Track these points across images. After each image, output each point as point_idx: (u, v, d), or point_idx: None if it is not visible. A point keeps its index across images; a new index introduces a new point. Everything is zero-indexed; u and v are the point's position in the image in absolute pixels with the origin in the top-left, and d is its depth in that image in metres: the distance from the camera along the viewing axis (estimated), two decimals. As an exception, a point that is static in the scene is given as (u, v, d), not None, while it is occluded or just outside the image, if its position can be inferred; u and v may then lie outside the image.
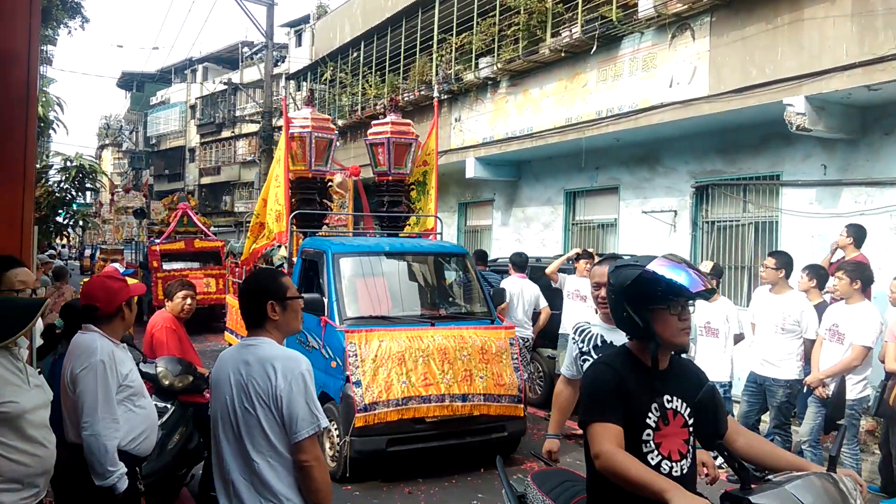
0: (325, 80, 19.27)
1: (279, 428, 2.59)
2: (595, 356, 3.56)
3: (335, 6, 20.65)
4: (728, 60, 8.45)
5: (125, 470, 3.18)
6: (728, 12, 8.45)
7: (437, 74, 13.75)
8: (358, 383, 5.78)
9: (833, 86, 7.36)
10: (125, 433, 3.26)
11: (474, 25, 12.65)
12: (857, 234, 7.02)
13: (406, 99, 14.76)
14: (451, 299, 7.55)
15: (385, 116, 9.02)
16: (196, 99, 40.69)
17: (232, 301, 9.67)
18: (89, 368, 3.16)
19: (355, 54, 17.60)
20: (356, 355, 5.86)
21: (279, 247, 8.14)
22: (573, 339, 3.83)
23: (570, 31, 10.38)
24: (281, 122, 27.66)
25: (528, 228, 13.50)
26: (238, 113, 35.02)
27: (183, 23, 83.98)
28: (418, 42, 14.57)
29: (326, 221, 9.01)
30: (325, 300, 6.41)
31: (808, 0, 7.61)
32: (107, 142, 56.14)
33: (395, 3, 15.67)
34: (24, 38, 3.88)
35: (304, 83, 22.28)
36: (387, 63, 15.78)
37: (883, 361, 5.75)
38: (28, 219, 3.93)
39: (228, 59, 39.54)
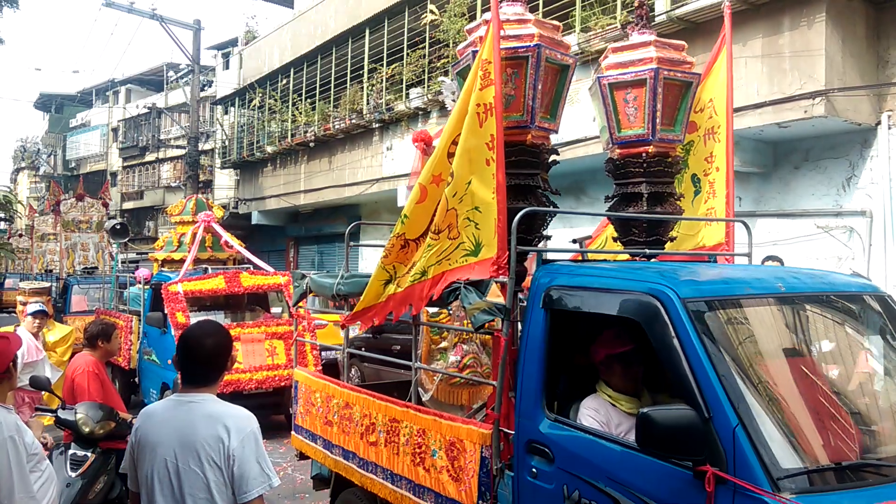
0: (254, 106, 19.08)
1: (226, 488, 2.55)
2: None
3: (264, 33, 20.52)
4: (649, 96, 8.78)
5: None
6: (648, 51, 8.79)
7: (367, 103, 13.79)
8: None
9: (746, 123, 7.76)
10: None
11: (404, 56, 12.78)
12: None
13: (337, 127, 14.74)
14: None
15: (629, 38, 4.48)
16: (118, 122, 39.55)
17: (305, 378, 5.24)
18: None
19: (285, 81, 17.49)
20: None
21: (469, 288, 3.61)
22: None
23: (499, 64, 10.59)
24: (209, 146, 27.41)
25: (460, 256, 13.57)
26: (162, 137, 34.20)
27: (105, 44, 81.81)
28: (349, 70, 14.60)
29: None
30: (700, 419, 2.53)
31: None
32: (23, 165, 53.91)
33: (324, 31, 15.70)
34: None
35: (232, 108, 21.99)
36: (317, 90, 15.74)
37: None
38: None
39: (152, 81, 38.70)
